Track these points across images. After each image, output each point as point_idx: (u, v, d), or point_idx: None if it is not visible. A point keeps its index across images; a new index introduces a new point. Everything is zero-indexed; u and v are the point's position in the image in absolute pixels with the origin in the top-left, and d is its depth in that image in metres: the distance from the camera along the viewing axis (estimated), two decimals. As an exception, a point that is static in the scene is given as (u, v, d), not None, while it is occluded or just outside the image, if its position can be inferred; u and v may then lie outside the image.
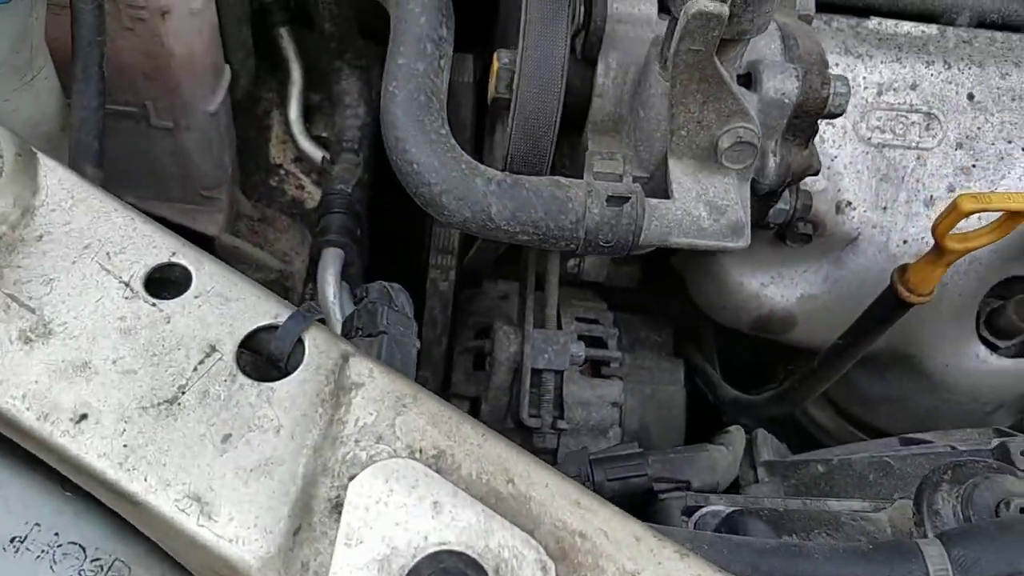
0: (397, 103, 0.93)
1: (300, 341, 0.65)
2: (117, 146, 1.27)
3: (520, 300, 1.49)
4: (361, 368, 0.63)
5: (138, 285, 0.67)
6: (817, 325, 1.32)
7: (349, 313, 1.04)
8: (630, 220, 0.87)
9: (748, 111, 0.93)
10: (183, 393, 0.60)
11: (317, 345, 0.64)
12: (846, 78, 1.02)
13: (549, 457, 1.39)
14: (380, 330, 0.93)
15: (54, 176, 0.72)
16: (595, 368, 1.49)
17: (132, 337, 0.63)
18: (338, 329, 1.23)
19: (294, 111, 1.52)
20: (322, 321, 0.68)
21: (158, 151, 1.27)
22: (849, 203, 1.26)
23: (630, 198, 0.87)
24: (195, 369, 0.62)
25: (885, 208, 1.27)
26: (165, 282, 0.69)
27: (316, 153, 1.51)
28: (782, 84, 0.98)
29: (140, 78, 1.15)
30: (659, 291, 1.59)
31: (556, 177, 0.92)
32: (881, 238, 1.27)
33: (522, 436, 1.47)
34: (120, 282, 0.67)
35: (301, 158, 1.56)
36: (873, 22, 1.34)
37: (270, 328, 0.65)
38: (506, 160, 0.99)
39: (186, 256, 0.69)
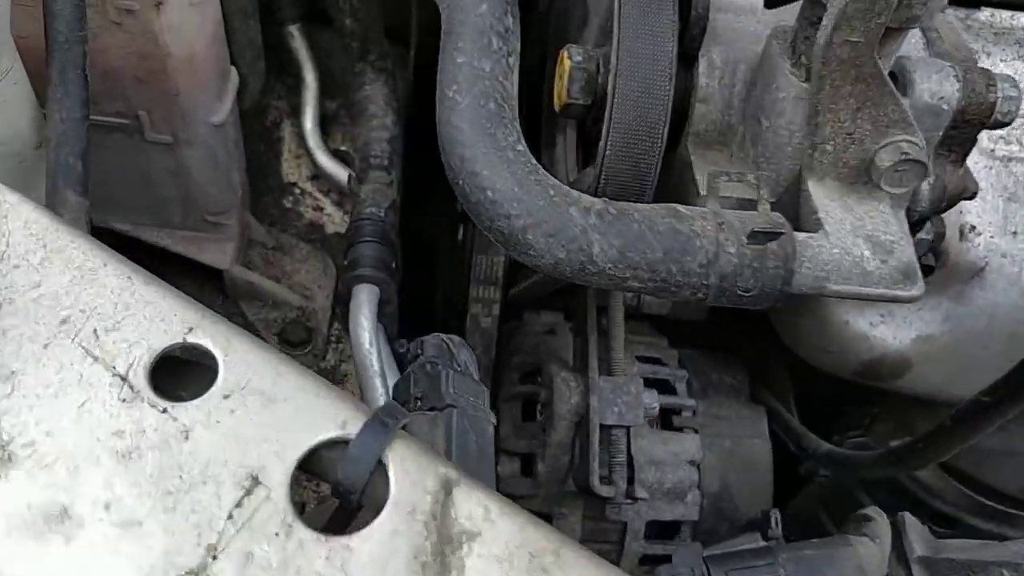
0: (461, 114, 0.73)
1: (381, 463, 0.44)
2: (105, 165, 1.07)
3: (579, 341, 1.29)
4: (473, 506, 0.43)
5: (141, 379, 0.46)
6: (934, 370, 1.12)
7: (402, 377, 0.84)
8: (778, 262, 0.67)
9: (911, 120, 0.73)
10: (214, 559, 0.40)
11: (407, 470, 0.44)
12: (1014, 79, 0.82)
13: (618, 533, 1.19)
14: (447, 402, 0.73)
15: (17, 217, 0.52)
16: (664, 418, 1.29)
17: (134, 465, 0.43)
18: (378, 390, 1.03)
19: (309, 121, 1.32)
20: (406, 427, 0.48)
21: (155, 170, 1.07)
22: (973, 227, 1.06)
23: (781, 233, 0.67)
24: (230, 516, 0.41)
25: (1015, 233, 1.07)
26: (180, 374, 0.48)
27: (336, 169, 1.30)
28: (939, 86, 0.79)
29: (131, 83, 0.94)
30: (730, 325, 1.39)
31: (673, 205, 0.72)
32: (1012, 269, 1.07)
33: (588, 504, 1.26)
34: (114, 375, 0.46)
35: (318, 175, 1.35)
36: (985, 13, 1.14)
37: (336, 443, 0.45)
38: (597, 183, 0.78)
39: (208, 333, 0.48)
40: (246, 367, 0.48)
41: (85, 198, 0.78)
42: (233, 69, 1.06)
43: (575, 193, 0.72)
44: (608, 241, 0.69)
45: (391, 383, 1.09)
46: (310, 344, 1.20)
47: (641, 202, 0.77)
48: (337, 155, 1.35)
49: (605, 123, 0.76)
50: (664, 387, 1.38)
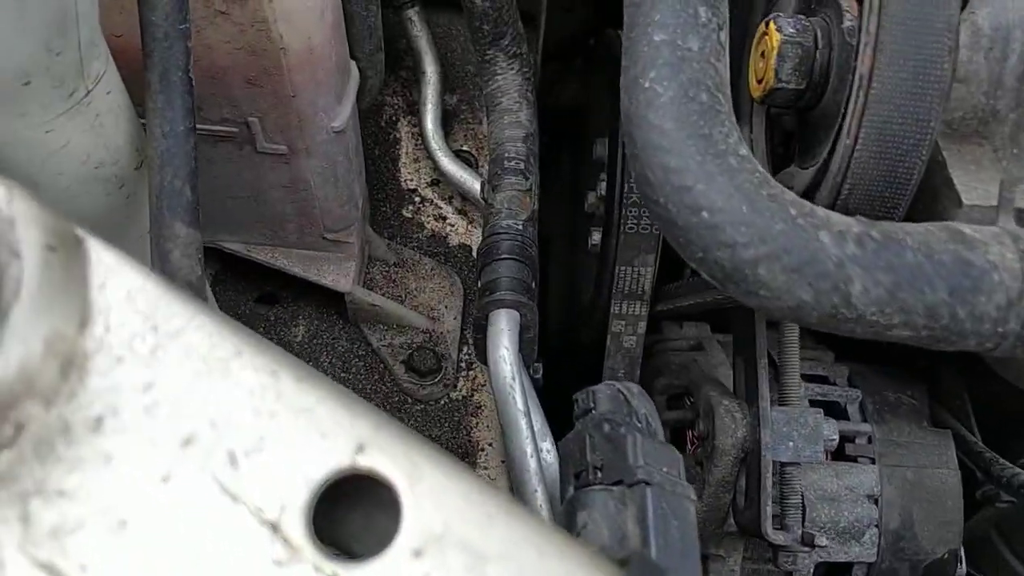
0: (663, 109, 0.56)
1: None
2: (211, 178, 0.94)
3: (743, 363, 1.11)
4: None
5: (298, 528, 0.32)
6: None
7: (571, 436, 0.69)
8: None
9: None
10: None
11: None
12: None
13: (784, 577, 1.02)
14: (638, 477, 0.58)
15: (118, 287, 0.37)
16: (837, 447, 1.11)
17: None
18: (523, 431, 0.88)
19: (430, 120, 1.17)
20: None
21: (268, 184, 0.94)
22: None
23: None
24: None
25: None
26: (349, 520, 0.34)
27: (460, 173, 1.15)
28: None
29: (240, 85, 0.81)
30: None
31: (952, 225, 0.54)
32: None
33: (750, 546, 1.10)
34: (262, 522, 0.32)
35: (440, 180, 1.21)
36: None
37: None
38: (835, 194, 0.61)
39: (387, 451, 0.33)
40: (441, 504, 0.32)
41: (196, 230, 0.65)
42: (353, 64, 0.92)
43: (821, 212, 0.54)
44: (873, 277, 0.52)
45: (536, 420, 0.94)
46: (440, 373, 1.06)
47: (893, 218, 0.59)
48: (459, 156, 1.20)
49: (851, 113, 0.58)
50: (834, 410, 1.20)
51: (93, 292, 0.37)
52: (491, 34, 1.02)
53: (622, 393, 0.71)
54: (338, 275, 1.03)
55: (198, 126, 0.85)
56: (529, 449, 0.92)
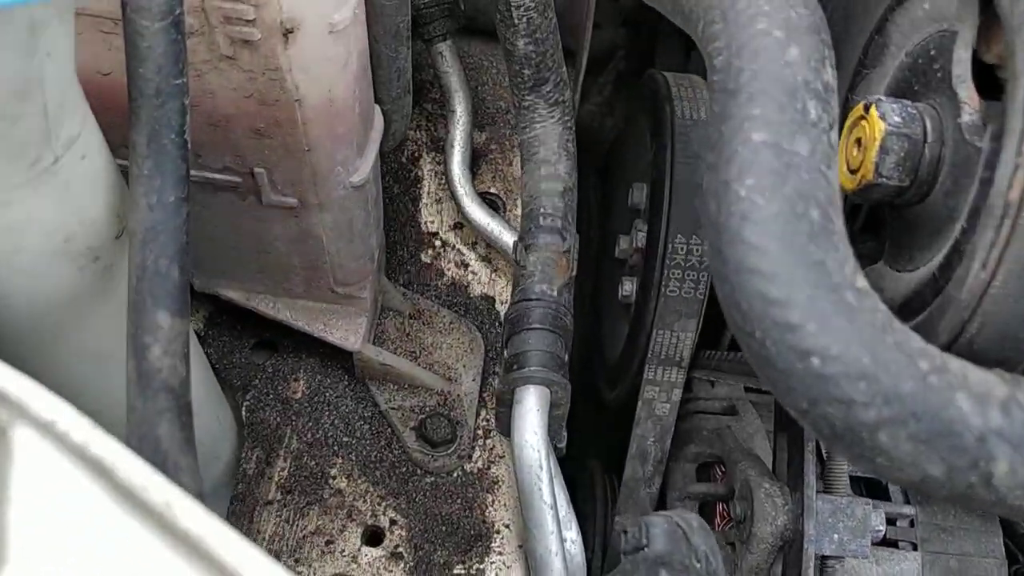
0: (764, 227, 0.46)
1: None
2: (207, 225, 0.84)
3: (789, 446, 1.01)
4: None
5: None
6: None
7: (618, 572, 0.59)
8: None
9: None
10: None
11: None
12: None
13: None
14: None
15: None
16: (873, 528, 1.02)
17: None
18: (548, 526, 0.79)
19: (457, 161, 1.06)
20: None
21: (273, 236, 0.83)
22: None
23: None
24: None
25: None
26: None
27: (485, 219, 1.05)
28: None
29: (246, 135, 0.71)
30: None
31: None
32: None
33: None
34: None
35: (462, 224, 1.10)
36: None
37: None
38: (958, 331, 0.50)
39: None
40: None
41: (184, 319, 0.55)
42: (377, 110, 0.81)
43: (956, 365, 0.43)
44: (1022, 457, 0.41)
45: (561, 507, 0.84)
46: (454, 443, 0.96)
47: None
48: (485, 199, 1.10)
49: (988, 243, 0.47)
50: (873, 487, 1.11)
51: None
52: (532, 79, 0.91)
53: (680, 527, 0.60)
54: (347, 331, 0.93)
55: (194, 173, 0.75)
56: (554, 547, 0.82)
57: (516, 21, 0.87)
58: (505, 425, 0.88)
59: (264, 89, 0.66)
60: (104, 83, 0.66)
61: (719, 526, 1.12)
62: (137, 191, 0.54)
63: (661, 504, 1.15)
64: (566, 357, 0.87)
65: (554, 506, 0.82)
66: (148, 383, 0.53)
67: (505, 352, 0.87)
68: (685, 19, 0.59)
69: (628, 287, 1.18)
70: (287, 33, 0.61)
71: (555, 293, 0.88)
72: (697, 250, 1.01)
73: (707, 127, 0.53)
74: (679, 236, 1.01)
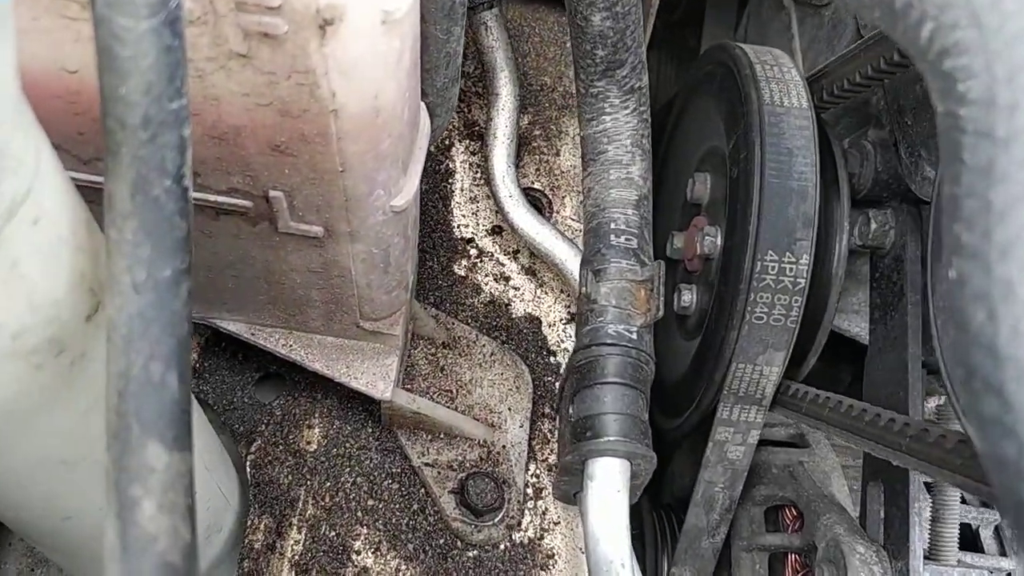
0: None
1: None
2: (204, 251, 0.67)
3: (886, 501, 0.86)
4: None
5: None
6: None
7: None
8: None
9: None
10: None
11: None
12: None
13: None
14: None
15: None
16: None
17: None
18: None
19: (502, 155, 0.88)
20: None
21: (288, 266, 0.66)
22: None
23: None
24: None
25: None
26: None
27: (534, 226, 0.87)
28: None
29: (260, 151, 0.53)
30: None
31: None
32: None
33: None
34: None
35: (501, 227, 0.93)
36: None
37: None
38: None
39: None
40: None
41: (187, 453, 0.38)
42: (423, 111, 0.63)
43: None
44: None
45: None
46: (501, 510, 0.80)
47: None
48: (527, 197, 0.92)
49: None
50: (964, 535, 0.97)
51: None
52: (605, 62, 0.73)
53: None
54: (374, 376, 0.76)
55: (197, 195, 0.57)
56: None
57: (587, -11, 0.68)
58: (567, 496, 0.72)
59: (288, 96, 0.48)
60: (71, 83, 0.48)
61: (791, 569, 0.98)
62: (117, 264, 0.37)
63: (725, 554, 1.00)
64: (646, 416, 0.71)
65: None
66: (138, 558, 0.36)
67: (570, 409, 0.70)
68: (890, 13, 0.41)
69: (688, 298, 1.01)
70: (325, 25, 0.43)
71: (635, 335, 0.71)
72: (791, 269, 0.85)
73: (950, 184, 0.36)
74: (770, 253, 0.84)
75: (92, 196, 0.45)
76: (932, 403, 1.00)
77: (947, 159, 0.37)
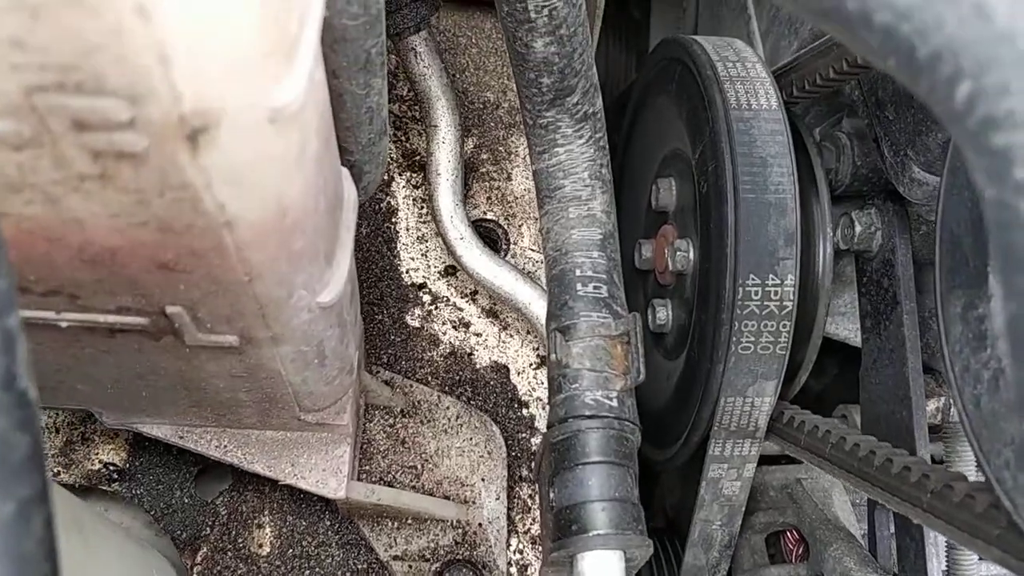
0: None
1: None
2: (103, 364, 0.57)
3: (900, 532, 0.79)
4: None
5: None
6: None
7: None
8: None
9: None
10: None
11: None
12: None
13: None
14: None
15: None
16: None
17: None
18: None
19: (445, 190, 0.79)
20: None
21: (207, 374, 0.56)
22: None
23: None
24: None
25: None
26: None
27: (489, 266, 0.78)
28: None
29: (146, 270, 0.43)
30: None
31: None
32: None
33: None
34: None
35: (455, 267, 0.84)
36: None
37: None
38: None
39: None
40: None
41: None
42: (347, 178, 0.53)
43: None
44: None
45: None
46: (486, 595, 0.72)
47: None
48: (479, 230, 0.83)
49: None
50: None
51: None
52: (553, 90, 0.63)
53: None
54: (324, 472, 0.67)
55: (73, 316, 0.48)
56: None
57: (533, 15, 0.59)
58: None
59: (166, 214, 0.38)
60: None
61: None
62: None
63: (729, 579, 0.93)
64: (637, 495, 0.63)
65: None
66: None
67: (551, 494, 0.62)
68: (909, 65, 0.33)
69: (663, 315, 0.93)
70: (195, 135, 0.33)
71: (614, 403, 0.63)
72: (776, 292, 0.77)
73: (1016, 302, 0.28)
74: (751, 276, 0.76)
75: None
76: (931, 405, 0.94)
77: (1004, 264, 0.29)
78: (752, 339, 0.77)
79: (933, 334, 0.91)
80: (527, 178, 0.88)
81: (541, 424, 0.82)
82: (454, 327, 0.83)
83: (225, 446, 0.66)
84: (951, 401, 0.93)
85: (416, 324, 0.82)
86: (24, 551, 0.29)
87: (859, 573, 0.79)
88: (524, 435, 0.81)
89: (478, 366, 0.82)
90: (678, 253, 0.88)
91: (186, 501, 0.74)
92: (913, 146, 0.77)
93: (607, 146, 0.71)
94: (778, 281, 0.76)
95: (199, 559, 0.71)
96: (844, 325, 0.98)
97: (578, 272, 0.67)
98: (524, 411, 0.82)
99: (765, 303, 0.77)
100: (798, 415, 0.81)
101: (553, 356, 0.64)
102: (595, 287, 0.67)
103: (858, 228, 0.87)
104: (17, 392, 0.28)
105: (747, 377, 0.79)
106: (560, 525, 0.60)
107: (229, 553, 0.72)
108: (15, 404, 0.28)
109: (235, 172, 0.36)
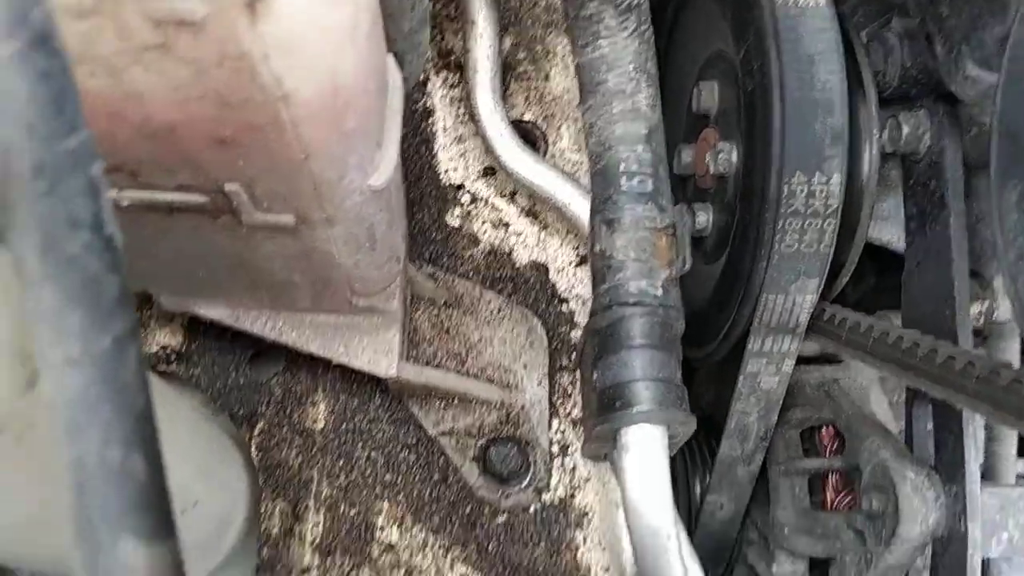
0: None
1: None
2: (162, 244, 0.60)
3: (937, 423, 0.81)
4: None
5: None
6: None
7: None
8: None
9: None
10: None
11: None
12: None
13: None
14: None
15: None
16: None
17: None
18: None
19: (485, 87, 0.79)
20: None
21: (263, 255, 0.59)
22: None
23: None
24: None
25: None
26: None
27: (529, 164, 0.79)
28: None
29: (205, 145, 0.45)
30: None
31: None
32: None
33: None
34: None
35: (494, 168, 0.85)
36: None
37: None
38: None
39: None
40: None
41: (172, 540, 0.34)
42: (392, 66, 0.54)
43: None
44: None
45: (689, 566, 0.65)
46: (528, 473, 0.75)
47: None
48: (520, 130, 0.84)
49: None
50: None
51: None
52: (599, -23, 0.63)
53: None
54: (376, 352, 0.70)
55: (132, 194, 0.50)
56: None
57: None
58: (597, 456, 0.67)
59: (224, 86, 0.40)
60: None
61: (832, 503, 0.94)
62: (43, 338, 0.31)
63: (763, 477, 0.96)
64: (679, 375, 0.65)
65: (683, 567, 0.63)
66: None
67: (594, 376, 0.64)
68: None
69: (704, 218, 0.93)
70: (253, 3, 0.35)
71: (659, 292, 0.64)
72: (822, 191, 0.77)
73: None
74: (797, 174, 0.76)
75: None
76: (974, 309, 0.93)
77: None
78: (796, 237, 0.78)
79: (978, 240, 0.91)
80: (566, 78, 0.87)
81: (580, 319, 0.84)
82: (493, 226, 0.85)
83: (279, 328, 0.69)
84: (995, 305, 0.93)
85: (456, 224, 0.84)
86: (123, 382, 0.31)
87: (895, 464, 0.81)
88: (564, 329, 0.83)
89: (518, 264, 0.84)
90: (720, 155, 0.87)
91: (241, 382, 0.78)
92: (968, 42, 0.76)
93: (652, 38, 0.70)
94: (824, 179, 0.76)
95: (257, 432, 0.76)
96: (886, 230, 0.97)
97: (622, 166, 0.68)
98: (564, 307, 0.84)
99: (810, 201, 0.77)
100: (839, 312, 0.82)
101: (597, 247, 0.66)
102: (640, 181, 0.67)
103: (905, 129, 0.85)
104: (105, 236, 0.30)
105: (790, 274, 0.80)
106: (604, 403, 0.62)
107: (285, 427, 0.76)
108: (105, 247, 0.31)
109: (291, 43, 0.38)
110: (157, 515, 0.32)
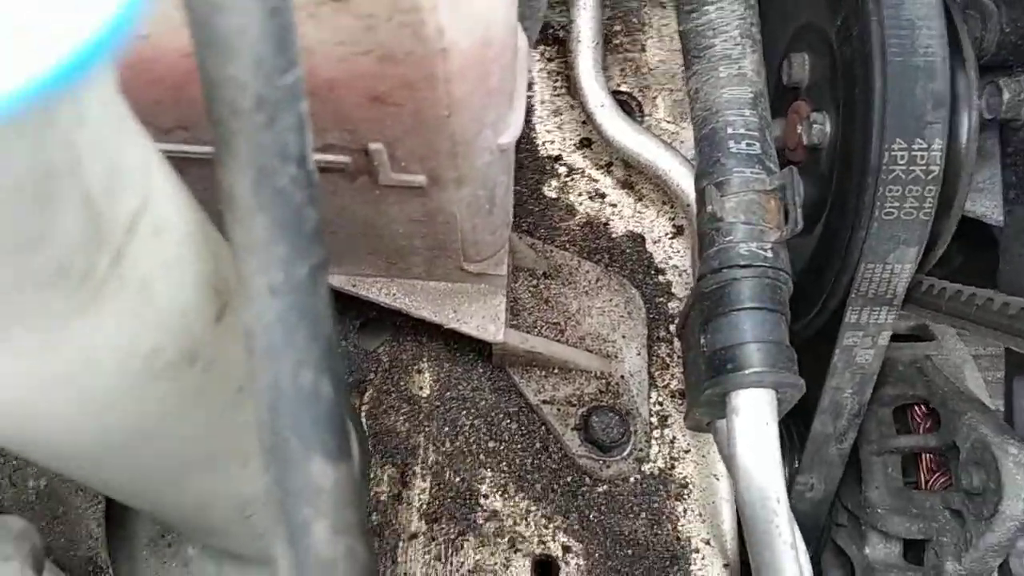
0: None
1: None
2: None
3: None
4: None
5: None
6: None
7: None
8: None
9: None
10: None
11: None
12: None
13: None
14: None
15: None
16: None
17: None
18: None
19: (587, 58, 0.81)
20: None
21: (389, 219, 0.61)
22: None
23: None
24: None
25: None
26: None
27: (630, 134, 0.80)
28: None
29: (359, 104, 0.47)
30: None
31: None
32: None
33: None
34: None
35: (589, 139, 0.86)
36: None
37: None
38: None
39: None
40: None
41: (351, 465, 0.35)
42: (519, 29, 0.56)
43: None
44: None
45: (802, 554, 0.65)
46: (628, 443, 0.76)
47: None
48: (616, 101, 0.84)
49: None
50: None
51: None
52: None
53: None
54: (484, 318, 0.72)
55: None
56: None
57: None
58: (699, 426, 0.68)
59: (390, 40, 0.42)
60: (143, 50, 0.42)
61: (927, 482, 0.93)
62: (248, 266, 0.33)
63: (854, 458, 0.96)
64: (788, 340, 0.66)
65: (794, 546, 0.63)
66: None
67: (702, 339, 0.65)
68: None
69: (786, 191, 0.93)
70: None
71: (769, 253, 0.65)
72: (923, 157, 0.77)
73: None
74: (898, 140, 0.76)
75: (176, 166, 0.40)
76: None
77: None
78: (896, 204, 0.78)
79: (1076, 211, 0.89)
80: (661, 49, 0.88)
81: (678, 290, 0.84)
82: (590, 198, 0.86)
83: (394, 294, 0.71)
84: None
85: (553, 195, 0.86)
86: (316, 309, 0.33)
87: (996, 439, 0.80)
88: (661, 300, 0.84)
89: (614, 235, 0.85)
90: (814, 126, 0.87)
91: (351, 350, 0.80)
92: (1076, 2, 0.75)
93: (756, 4, 0.71)
94: (925, 145, 0.76)
95: (366, 399, 0.78)
96: (981, 202, 0.96)
97: (730, 130, 0.68)
98: (661, 277, 0.85)
99: (911, 168, 0.77)
100: (938, 283, 0.81)
101: (708, 209, 0.67)
102: (748, 144, 0.68)
103: (1006, 95, 0.85)
104: (308, 171, 0.32)
105: (889, 243, 0.80)
106: (714, 366, 0.63)
107: (393, 394, 0.78)
108: (307, 182, 0.32)
109: (458, -4, 0.39)
110: (341, 437, 0.33)
